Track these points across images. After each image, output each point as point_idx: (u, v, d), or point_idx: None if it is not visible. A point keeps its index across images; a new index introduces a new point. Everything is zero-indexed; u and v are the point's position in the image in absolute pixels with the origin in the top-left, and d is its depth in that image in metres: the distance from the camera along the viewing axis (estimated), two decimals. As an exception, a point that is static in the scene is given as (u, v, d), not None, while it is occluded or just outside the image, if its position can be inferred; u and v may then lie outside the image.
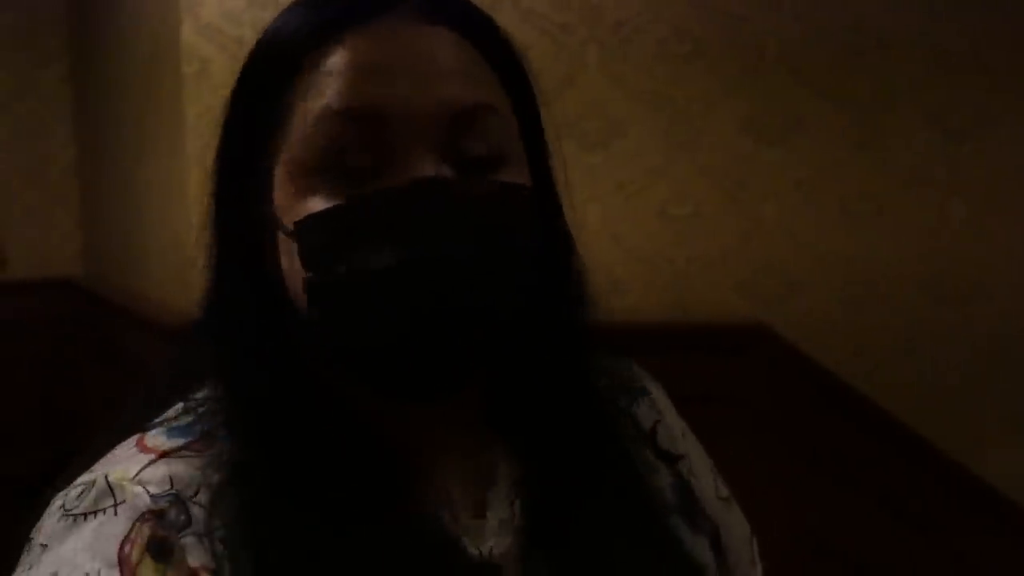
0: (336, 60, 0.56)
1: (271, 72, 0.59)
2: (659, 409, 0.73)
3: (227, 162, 0.62)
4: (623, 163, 2.00)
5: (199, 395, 0.62)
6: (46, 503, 0.58)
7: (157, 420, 0.61)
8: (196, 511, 0.55)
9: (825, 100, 2.04)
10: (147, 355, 2.35)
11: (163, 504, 0.55)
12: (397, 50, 0.56)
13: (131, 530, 0.54)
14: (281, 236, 0.57)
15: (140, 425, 0.61)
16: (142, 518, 0.54)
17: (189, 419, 0.60)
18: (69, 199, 3.26)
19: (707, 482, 0.73)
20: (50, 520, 0.56)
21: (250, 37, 2.20)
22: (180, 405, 0.62)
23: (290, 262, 0.57)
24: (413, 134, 0.55)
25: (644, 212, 2.03)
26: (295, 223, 0.55)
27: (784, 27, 2.03)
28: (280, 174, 0.57)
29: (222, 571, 0.54)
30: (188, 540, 0.54)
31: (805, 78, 2.04)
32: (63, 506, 0.56)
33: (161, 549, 0.54)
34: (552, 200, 0.65)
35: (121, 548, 0.53)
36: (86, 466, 0.59)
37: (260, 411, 0.58)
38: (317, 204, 0.55)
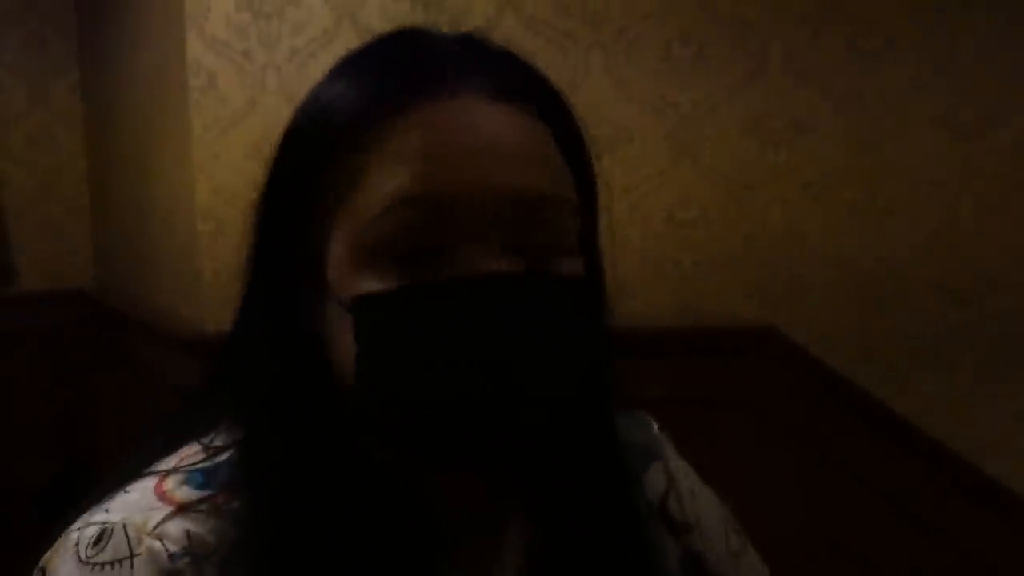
0: (406, 142, 0.55)
1: (331, 142, 0.58)
2: (670, 473, 0.73)
3: (277, 218, 0.61)
4: (629, 168, 2.00)
5: (217, 439, 0.61)
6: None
7: (174, 463, 0.60)
8: (209, 574, 0.55)
9: (830, 102, 2.04)
10: (158, 366, 2.36)
11: (180, 565, 0.55)
12: (467, 133, 0.55)
13: None
14: (331, 305, 0.57)
15: (156, 459, 0.61)
16: None
17: (208, 465, 0.59)
18: (80, 211, 3.27)
19: (718, 542, 0.73)
20: (64, 564, 0.55)
21: (257, 51, 2.22)
22: (198, 447, 0.61)
23: (339, 333, 0.56)
24: (480, 222, 0.54)
25: (650, 216, 2.03)
26: (354, 299, 0.55)
27: (788, 29, 2.03)
28: (338, 246, 0.57)
29: None
30: None
31: (810, 80, 2.04)
32: (77, 549, 0.55)
33: None
34: (599, 287, 0.65)
35: None
36: (99, 497, 0.59)
37: (285, 473, 0.57)
38: (375, 284, 0.55)
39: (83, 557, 0.55)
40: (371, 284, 0.55)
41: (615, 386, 0.66)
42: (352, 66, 0.61)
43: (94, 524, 0.56)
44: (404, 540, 0.58)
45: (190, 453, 0.61)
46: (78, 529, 0.56)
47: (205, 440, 0.61)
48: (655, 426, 0.75)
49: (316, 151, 0.59)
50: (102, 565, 0.54)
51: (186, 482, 0.58)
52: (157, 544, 0.55)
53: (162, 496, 0.58)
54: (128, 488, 0.59)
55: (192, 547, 0.55)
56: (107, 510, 0.57)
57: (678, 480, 0.73)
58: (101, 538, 0.55)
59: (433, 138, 0.55)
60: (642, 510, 0.67)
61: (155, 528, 0.55)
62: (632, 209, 2.01)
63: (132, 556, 0.54)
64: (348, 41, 2.01)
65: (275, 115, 2.02)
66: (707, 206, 2.06)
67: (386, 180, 0.55)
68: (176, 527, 0.56)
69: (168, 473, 0.59)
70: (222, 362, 0.64)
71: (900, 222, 2.07)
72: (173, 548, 0.55)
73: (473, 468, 0.58)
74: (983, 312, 2.08)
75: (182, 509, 0.57)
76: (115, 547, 0.55)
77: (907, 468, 2.04)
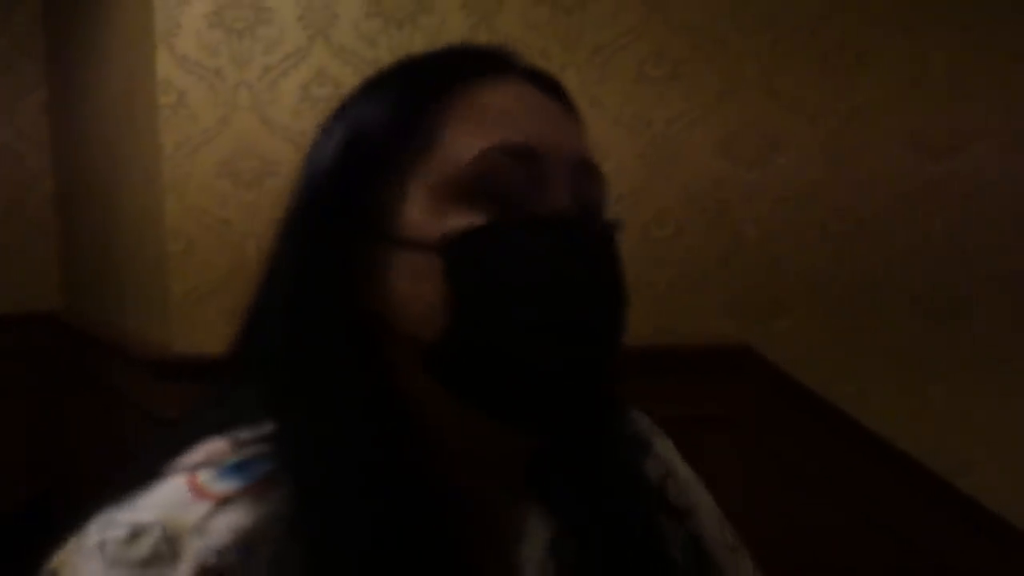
0: (490, 101, 0.61)
1: (421, 93, 0.62)
2: (666, 462, 0.74)
3: (337, 173, 0.63)
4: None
5: (248, 433, 0.59)
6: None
7: (201, 458, 0.57)
8: (256, 568, 0.53)
9: (802, 120, 2.05)
10: (127, 388, 2.32)
11: (230, 560, 0.52)
12: (540, 99, 0.63)
13: None
14: (402, 255, 0.59)
15: (174, 456, 0.58)
16: None
17: (239, 458, 0.57)
18: (48, 232, 3.23)
19: (716, 533, 0.74)
20: (88, 564, 0.52)
21: (228, 68, 2.20)
22: (223, 441, 0.58)
23: (414, 281, 0.58)
24: (557, 173, 0.61)
25: (626, 234, 2.03)
26: (443, 236, 0.58)
27: (761, 48, 2.04)
28: (418, 191, 0.60)
29: None
30: None
31: (782, 98, 2.05)
32: (103, 549, 0.52)
33: None
34: None
35: None
36: (113, 496, 0.56)
37: (338, 455, 0.56)
38: (463, 222, 0.58)
39: (114, 558, 0.52)
40: (459, 222, 0.58)
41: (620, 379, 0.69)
42: (404, 65, 0.67)
43: (121, 524, 0.53)
44: (438, 529, 0.58)
45: (216, 447, 0.58)
46: (99, 532, 0.53)
47: (232, 434, 0.59)
48: (647, 420, 0.77)
49: (403, 102, 0.63)
50: (141, 564, 0.52)
51: (221, 476, 0.56)
52: (200, 541, 0.52)
53: (198, 491, 0.55)
54: (153, 487, 0.55)
55: (240, 541, 0.53)
56: (134, 508, 0.54)
57: (675, 468, 0.75)
58: (134, 539, 0.52)
59: (511, 100, 0.62)
60: (652, 499, 0.70)
61: (196, 525, 0.53)
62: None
63: (174, 554, 0.52)
64: (321, 59, 2.00)
65: (247, 133, 2.00)
66: (682, 224, 2.06)
67: (474, 131, 0.60)
68: (220, 522, 0.53)
69: (197, 467, 0.56)
70: (243, 351, 0.64)
71: (873, 239, 2.08)
72: (220, 543, 0.53)
73: (537, 424, 0.59)
74: (957, 329, 2.09)
75: (224, 502, 0.54)
76: (154, 546, 0.52)
77: (882, 485, 2.05)
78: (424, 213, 0.59)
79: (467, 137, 0.60)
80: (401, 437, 0.58)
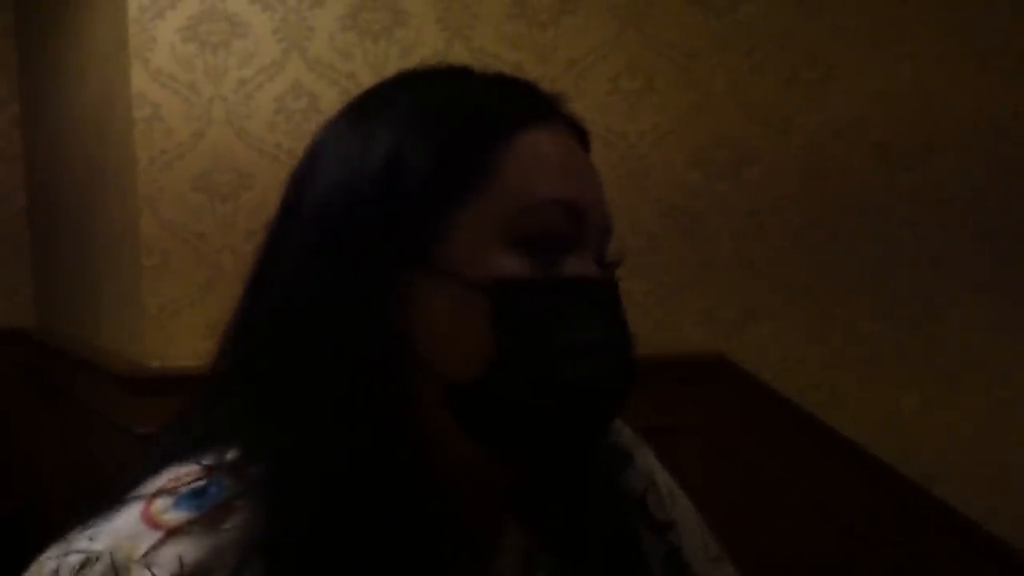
0: (541, 148, 0.61)
1: (484, 126, 0.61)
2: (647, 474, 0.74)
3: (380, 191, 0.60)
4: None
5: (214, 458, 0.58)
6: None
7: (162, 484, 0.57)
8: None
9: (773, 133, 2.08)
10: (101, 405, 2.31)
11: None
12: (570, 154, 0.63)
13: None
14: (444, 287, 0.58)
15: (144, 480, 0.58)
16: None
17: (201, 484, 0.57)
18: (21, 248, 3.20)
19: (697, 545, 0.74)
20: None
21: (203, 82, 2.21)
22: (190, 466, 0.58)
23: (455, 318, 0.57)
24: (592, 231, 0.62)
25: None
26: (496, 280, 0.58)
27: (733, 62, 2.07)
28: (468, 225, 0.59)
29: None
30: None
31: (754, 112, 2.07)
32: (57, 575, 0.53)
33: None
34: None
35: None
36: (79, 519, 0.56)
37: (326, 486, 0.55)
38: (509, 268, 0.58)
39: None
40: (508, 269, 0.59)
41: None
42: (439, 94, 0.64)
43: (76, 552, 0.54)
44: (415, 553, 0.58)
45: (181, 473, 0.58)
46: (57, 557, 0.54)
47: (199, 459, 0.59)
48: (630, 432, 0.77)
49: (464, 134, 0.61)
50: None
51: (176, 505, 0.56)
52: (147, 573, 0.52)
53: (150, 521, 0.55)
54: (112, 514, 0.56)
55: (184, 572, 0.53)
56: (90, 538, 0.54)
57: (656, 480, 0.75)
58: (85, 566, 0.53)
59: (564, 152, 0.62)
60: (628, 511, 0.70)
61: (144, 555, 0.53)
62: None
63: None
64: (296, 72, 2.00)
65: (222, 147, 2.00)
66: (656, 235, 2.08)
67: (534, 178, 0.60)
68: (167, 553, 0.53)
69: (155, 496, 0.56)
70: (228, 367, 0.62)
71: (844, 248, 2.10)
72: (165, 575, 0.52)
73: (542, 465, 0.62)
74: (929, 336, 2.12)
75: (172, 533, 0.54)
76: (103, 575, 0.53)
77: (858, 492, 2.06)
78: (471, 249, 0.58)
79: (527, 183, 0.60)
80: (398, 468, 0.58)
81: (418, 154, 0.59)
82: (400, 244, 0.59)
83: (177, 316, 2.01)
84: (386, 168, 0.59)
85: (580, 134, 0.66)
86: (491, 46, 2.02)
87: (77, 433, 2.58)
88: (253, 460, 0.57)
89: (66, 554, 0.54)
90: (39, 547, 0.57)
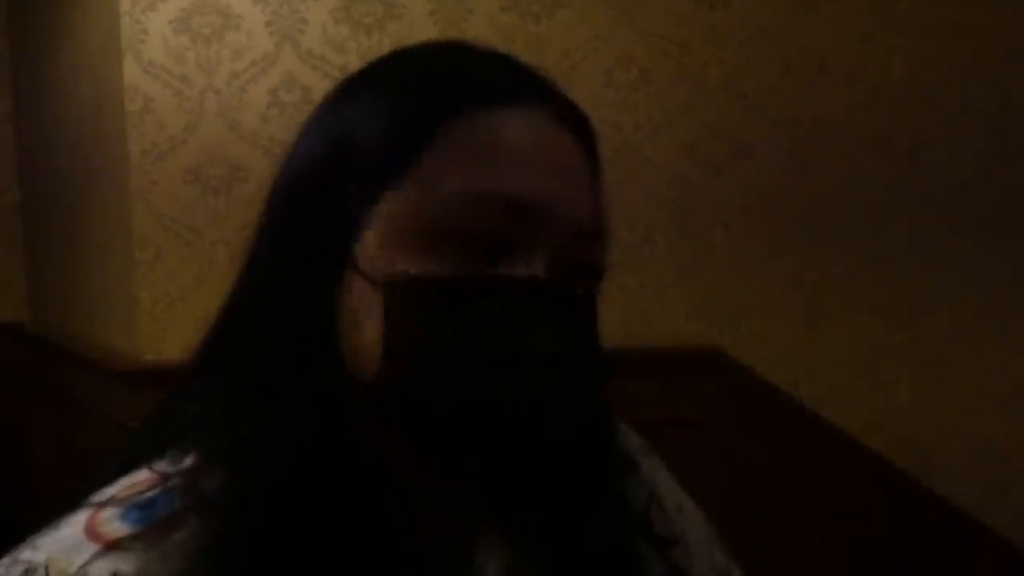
0: (484, 134, 0.55)
1: (406, 120, 0.56)
2: (652, 484, 0.70)
3: (311, 198, 0.57)
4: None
5: (171, 464, 0.56)
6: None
7: (115, 492, 0.55)
8: None
9: (767, 126, 2.08)
10: (95, 399, 2.30)
11: None
12: (542, 143, 0.56)
13: None
14: (357, 281, 0.54)
15: (103, 486, 0.56)
16: None
17: (152, 494, 0.55)
18: (14, 243, 3.19)
19: (703, 559, 0.70)
20: None
21: (195, 75, 2.20)
22: (148, 473, 0.56)
23: (361, 313, 0.54)
24: (541, 231, 0.54)
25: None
26: (388, 276, 0.53)
27: (727, 54, 2.06)
28: (382, 222, 0.54)
29: None
30: None
31: (748, 104, 2.07)
32: None
33: None
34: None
35: None
36: (38, 530, 0.55)
37: (269, 477, 0.53)
38: (419, 266, 0.53)
39: None
40: (411, 265, 0.53)
41: (608, 404, 0.66)
42: (419, 60, 0.60)
43: (20, 562, 0.53)
44: (369, 549, 0.55)
45: (136, 480, 0.56)
46: (6, 565, 0.53)
47: (157, 466, 0.56)
48: (637, 439, 0.72)
49: (387, 126, 0.56)
50: None
51: (121, 516, 0.54)
52: None
53: (92, 533, 0.53)
54: (63, 521, 0.54)
55: None
56: (35, 547, 0.53)
57: (662, 494, 0.70)
58: None
59: (515, 138, 0.55)
60: (624, 524, 0.65)
61: (78, 570, 0.51)
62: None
63: None
64: (289, 65, 2.00)
65: (214, 140, 1.99)
66: (651, 228, 2.08)
67: (459, 166, 0.54)
68: (100, 569, 0.51)
69: (104, 504, 0.55)
70: (198, 372, 0.60)
71: (839, 244, 2.10)
72: None
73: (475, 474, 0.56)
74: (923, 329, 2.12)
75: (110, 547, 0.52)
76: None
77: (851, 484, 2.07)
78: (382, 243, 0.54)
79: (443, 175, 0.54)
80: (344, 472, 0.55)
81: (352, 134, 0.57)
82: (329, 235, 0.56)
83: (170, 309, 2.00)
84: (323, 152, 0.58)
85: (577, 127, 0.59)
86: (484, 39, 2.01)
87: (71, 427, 2.57)
88: (207, 467, 0.55)
89: (14, 563, 0.53)
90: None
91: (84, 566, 0.51)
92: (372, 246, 0.54)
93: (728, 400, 2.03)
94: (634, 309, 2.07)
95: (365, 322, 0.54)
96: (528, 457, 0.55)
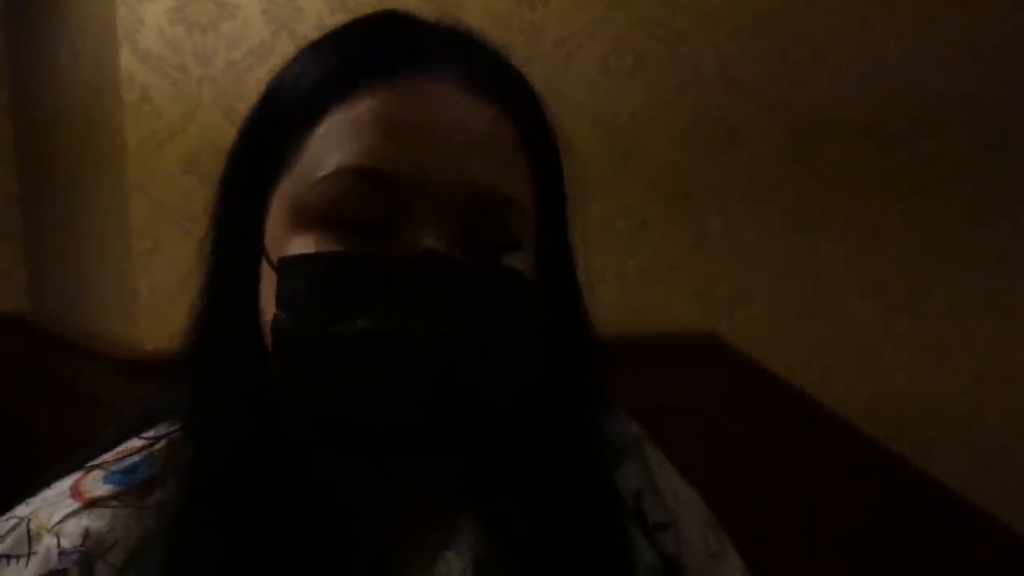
0: (362, 112, 0.54)
1: (295, 106, 0.56)
2: (647, 470, 0.69)
3: (232, 183, 0.60)
4: (569, 178, 2.01)
5: (156, 432, 0.59)
6: None
7: (107, 457, 0.59)
8: (103, 573, 0.54)
9: (762, 111, 2.08)
10: (95, 389, 2.31)
11: (67, 563, 0.54)
12: (429, 113, 0.54)
13: None
14: (265, 267, 0.56)
15: (98, 455, 0.59)
16: None
17: (136, 459, 0.58)
18: (13, 233, 3.19)
19: (698, 543, 0.69)
20: None
21: (191, 64, 2.20)
22: (138, 442, 0.59)
23: (269, 297, 0.55)
24: (424, 204, 0.53)
25: (592, 226, 2.05)
26: (280, 258, 0.54)
27: (721, 40, 2.07)
28: (278, 205, 0.56)
29: None
30: None
31: (743, 90, 2.08)
32: None
33: None
34: (566, 288, 0.64)
35: None
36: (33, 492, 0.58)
37: (217, 455, 0.55)
38: (308, 246, 0.53)
39: None
40: (302, 246, 0.54)
41: (595, 390, 0.64)
42: (325, 39, 0.60)
43: (13, 517, 0.56)
44: (329, 539, 0.56)
45: (127, 447, 0.59)
46: (3, 520, 0.57)
47: (146, 435, 0.60)
48: (633, 424, 0.71)
49: (279, 118, 0.58)
50: (4, 558, 0.55)
51: (105, 479, 0.57)
52: (52, 541, 0.54)
53: (75, 492, 0.56)
54: (57, 482, 0.58)
55: (86, 544, 0.54)
56: (27, 503, 0.57)
57: (656, 479, 0.69)
58: (12, 531, 0.55)
59: (387, 113, 0.54)
60: (612, 513, 0.64)
61: (55, 525, 0.55)
62: (573, 219, 2.02)
63: (29, 553, 0.54)
64: (286, 53, 1.98)
65: (212, 129, 1.99)
66: (647, 215, 2.08)
67: (334, 146, 0.54)
68: (75, 524, 0.55)
69: (92, 468, 0.58)
70: (182, 355, 0.62)
71: (835, 229, 2.11)
72: (65, 545, 0.54)
73: (378, 462, 0.55)
74: (918, 314, 2.13)
75: (89, 505, 0.55)
76: (16, 541, 0.55)
77: (849, 468, 2.08)
78: (278, 227, 0.55)
79: (325, 152, 0.54)
80: (281, 444, 0.56)
81: (251, 131, 0.59)
82: (246, 224, 0.58)
83: (170, 299, 2.01)
84: (240, 144, 0.60)
85: (490, 91, 0.57)
86: (479, 25, 2.00)
87: (71, 416, 2.58)
88: (184, 438, 0.58)
89: (7, 518, 0.57)
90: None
91: (61, 521, 0.55)
92: (273, 230, 0.56)
93: (725, 386, 2.04)
94: (631, 296, 2.08)
95: (269, 304, 0.55)
96: (418, 441, 0.53)
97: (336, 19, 1.99)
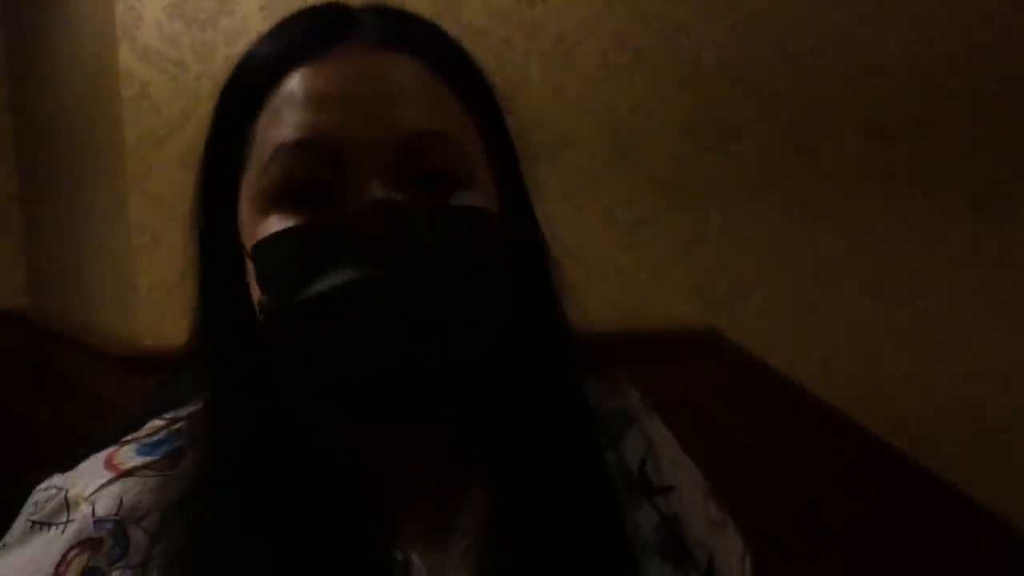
0: (291, 91, 0.57)
1: (238, 103, 0.60)
2: (649, 438, 0.72)
3: (203, 189, 0.63)
4: (568, 174, 2.02)
5: (183, 412, 0.63)
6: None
7: (137, 435, 0.63)
8: (138, 538, 0.57)
9: (762, 106, 2.08)
10: (94, 384, 2.31)
11: (103, 532, 0.57)
12: (350, 79, 0.57)
13: (69, 553, 0.57)
14: (247, 260, 0.58)
15: (126, 434, 0.63)
16: (82, 544, 0.57)
17: (162, 435, 0.62)
18: (12, 230, 3.19)
19: (698, 509, 0.72)
20: (20, 520, 0.60)
21: (189, 59, 2.19)
22: (158, 422, 0.63)
23: (254, 286, 0.58)
24: (364, 162, 0.56)
25: (591, 221, 2.05)
26: (252, 246, 0.57)
27: (720, 35, 2.06)
28: (244, 200, 0.59)
29: None
30: (120, 573, 0.56)
31: (742, 86, 2.07)
32: (33, 506, 0.60)
33: None
34: (524, 217, 0.65)
35: (56, 571, 0.57)
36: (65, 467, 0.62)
37: (233, 430, 0.59)
38: (272, 227, 0.56)
39: (30, 517, 0.60)
40: (266, 230, 0.57)
41: (572, 350, 0.66)
42: (261, 37, 0.64)
43: (51, 488, 0.60)
44: (337, 502, 0.58)
45: (154, 425, 0.63)
46: (43, 489, 0.61)
47: (168, 415, 0.64)
48: (637, 395, 0.74)
49: (228, 114, 0.61)
50: (41, 525, 0.59)
51: (138, 451, 0.61)
52: (87, 509, 0.58)
53: (109, 464, 0.60)
54: (93, 455, 0.62)
55: (120, 512, 0.58)
56: (64, 476, 0.61)
57: (657, 445, 0.72)
58: (49, 499, 0.59)
59: (313, 87, 0.57)
60: (612, 481, 0.66)
61: (91, 494, 0.59)
62: (573, 215, 2.02)
63: (67, 521, 0.58)
64: (284, 51, 1.99)
65: (211, 126, 1.99)
66: (646, 210, 2.08)
67: (272, 131, 0.57)
68: (110, 493, 0.59)
69: (124, 443, 0.62)
70: (187, 346, 0.66)
71: (834, 224, 2.11)
72: (101, 513, 0.58)
73: (383, 416, 0.57)
74: (916, 309, 2.13)
75: (122, 475, 0.59)
76: (54, 509, 0.59)
77: (847, 463, 2.08)
78: (247, 220, 0.58)
79: (266, 138, 0.58)
80: (288, 420, 0.59)
81: (210, 146, 0.62)
82: (222, 229, 0.61)
83: (169, 295, 2.01)
84: (204, 154, 0.63)
85: (404, 41, 0.60)
86: (479, 21, 2.01)
87: (72, 413, 2.58)
88: (204, 415, 0.62)
89: (47, 488, 0.61)
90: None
91: (96, 491, 0.59)
92: (244, 223, 0.59)
93: (725, 380, 2.04)
94: (630, 290, 2.08)
95: (255, 291, 0.58)
96: (418, 385, 0.55)
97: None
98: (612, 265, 2.07)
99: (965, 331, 2.14)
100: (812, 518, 2.07)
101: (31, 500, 0.60)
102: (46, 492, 0.60)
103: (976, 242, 2.12)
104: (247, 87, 0.60)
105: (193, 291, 0.64)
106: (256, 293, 0.57)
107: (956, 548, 2.08)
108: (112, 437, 0.63)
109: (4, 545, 0.60)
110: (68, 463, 0.62)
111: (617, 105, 2.06)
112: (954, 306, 2.13)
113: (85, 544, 0.57)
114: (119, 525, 0.57)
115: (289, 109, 0.57)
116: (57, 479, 0.60)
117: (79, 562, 0.57)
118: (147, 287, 2.02)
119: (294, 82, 0.58)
